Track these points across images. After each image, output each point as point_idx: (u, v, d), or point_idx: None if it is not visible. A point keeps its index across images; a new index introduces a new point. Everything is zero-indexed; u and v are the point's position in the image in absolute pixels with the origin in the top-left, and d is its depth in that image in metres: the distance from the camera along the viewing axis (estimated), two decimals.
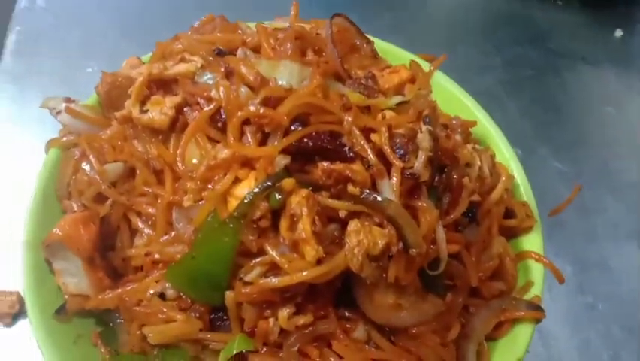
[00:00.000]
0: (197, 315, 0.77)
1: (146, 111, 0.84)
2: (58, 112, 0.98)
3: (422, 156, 0.75)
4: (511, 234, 0.95)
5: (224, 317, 0.77)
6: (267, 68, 0.81)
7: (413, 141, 0.76)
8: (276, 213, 0.73)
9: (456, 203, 0.81)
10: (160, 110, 0.83)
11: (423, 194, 0.76)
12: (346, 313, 0.78)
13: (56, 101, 1.00)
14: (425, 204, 0.75)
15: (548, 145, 1.47)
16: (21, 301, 1.07)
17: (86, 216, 0.84)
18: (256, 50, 0.90)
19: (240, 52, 0.87)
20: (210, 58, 0.86)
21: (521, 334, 0.86)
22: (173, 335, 0.76)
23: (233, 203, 0.73)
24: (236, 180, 0.74)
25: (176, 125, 0.84)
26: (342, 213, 0.74)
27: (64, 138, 0.96)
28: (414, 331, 0.79)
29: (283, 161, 0.73)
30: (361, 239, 0.71)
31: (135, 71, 0.96)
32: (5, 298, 1.05)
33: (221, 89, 0.76)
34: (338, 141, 0.75)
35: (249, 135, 0.75)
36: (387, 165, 0.75)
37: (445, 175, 0.80)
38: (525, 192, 0.99)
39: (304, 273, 0.70)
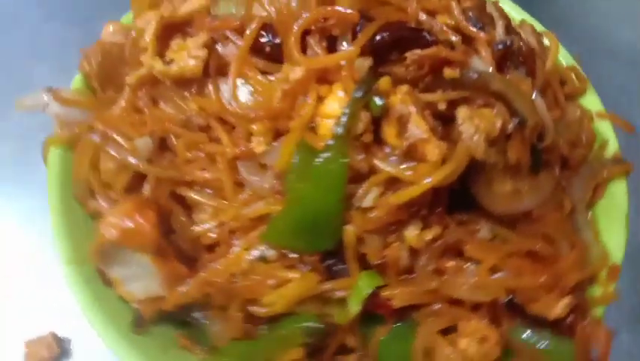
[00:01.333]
0: (310, 268, 0.67)
1: (171, 61, 0.70)
2: (45, 106, 0.81)
3: (500, 24, 0.68)
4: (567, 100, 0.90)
5: (339, 261, 0.67)
6: None
7: (484, 11, 0.69)
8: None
9: (533, 72, 0.75)
10: (188, 55, 0.70)
11: (509, 64, 0.69)
12: (464, 217, 0.70)
13: (35, 97, 0.83)
14: (517, 74, 0.68)
15: None
16: (58, 341, 0.91)
17: (137, 202, 0.70)
18: None
19: None
20: None
21: (618, 191, 0.83)
22: (294, 295, 0.65)
23: (325, 126, 0.62)
24: (319, 100, 0.63)
25: (208, 70, 0.71)
26: (441, 106, 0.65)
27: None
28: (535, 213, 0.72)
29: (366, 63, 0.63)
30: (478, 124, 0.63)
31: (119, 36, 0.82)
32: (40, 343, 0.89)
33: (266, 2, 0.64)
34: (414, 27, 0.65)
35: (314, 47, 0.64)
36: (469, 42, 0.67)
37: (515, 44, 0.73)
38: (565, 58, 0.94)
39: (431, 178, 0.61)
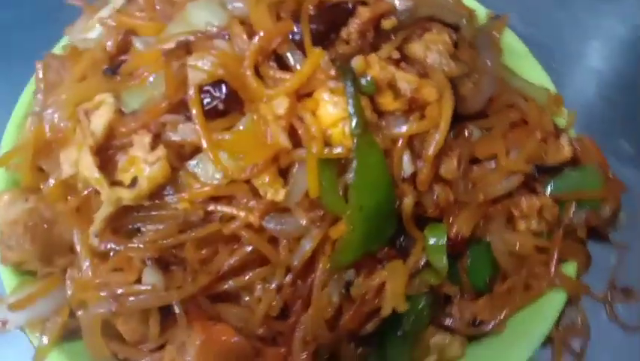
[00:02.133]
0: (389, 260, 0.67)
1: (134, 180, 0.62)
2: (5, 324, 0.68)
3: None
4: None
5: (398, 236, 0.69)
6: None
7: None
8: None
9: None
10: (146, 163, 0.62)
11: None
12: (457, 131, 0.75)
13: None
14: None
15: None
16: None
17: None
18: None
19: None
20: None
21: None
22: (398, 290, 0.65)
23: (337, 133, 0.61)
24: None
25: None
26: (395, 55, 0.68)
27: None
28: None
29: (326, 56, 0.62)
30: (437, 48, 0.67)
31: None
32: None
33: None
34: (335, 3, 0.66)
35: (273, 73, 0.62)
36: None
37: None
38: None
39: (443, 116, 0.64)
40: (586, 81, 1.15)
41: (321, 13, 0.65)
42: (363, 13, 0.65)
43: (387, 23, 0.66)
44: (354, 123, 0.60)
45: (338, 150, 0.60)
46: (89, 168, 0.61)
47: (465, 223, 0.71)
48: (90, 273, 0.68)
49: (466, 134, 0.74)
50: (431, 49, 0.67)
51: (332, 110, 0.61)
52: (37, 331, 0.70)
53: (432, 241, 0.69)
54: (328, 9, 0.65)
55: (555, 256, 0.74)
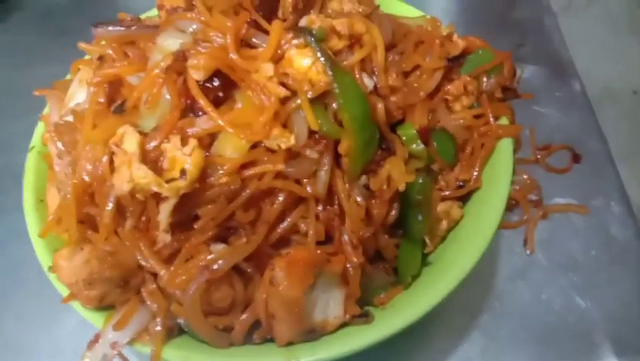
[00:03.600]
0: None
1: (183, 172, 0.77)
2: None
3: None
4: None
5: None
6: None
7: None
8: None
9: None
10: (185, 155, 0.77)
11: None
12: None
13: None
14: None
15: None
16: None
17: None
18: None
19: None
20: None
21: None
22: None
23: (314, 76, 0.80)
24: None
25: None
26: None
27: None
28: None
29: (279, 24, 0.82)
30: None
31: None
32: None
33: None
34: None
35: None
36: None
37: None
38: None
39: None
40: None
41: (260, 3, 0.85)
42: None
43: None
44: (324, 60, 0.79)
45: (322, 85, 0.79)
46: (145, 176, 0.75)
47: (420, 116, 0.92)
48: (167, 275, 0.80)
49: (391, 58, 0.97)
50: (343, 1, 0.89)
51: (304, 61, 0.80)
52: (144, 341, 0.81)
53: (406, 135, 0.89)
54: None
55: (489, 114, 0.97)
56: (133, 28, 0.91)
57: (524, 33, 1.56)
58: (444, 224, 0.92)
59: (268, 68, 0.78)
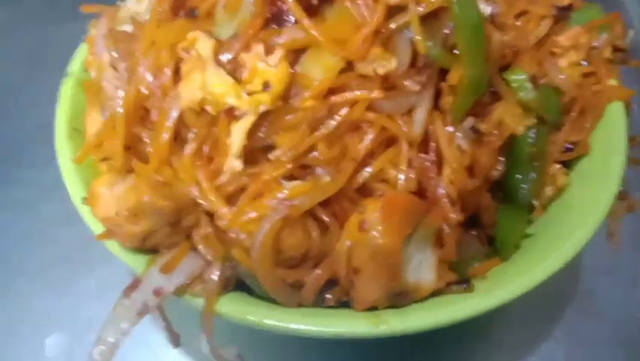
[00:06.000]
0: None
1: (267, 84, 0.63)
2: None
3: None
4: None
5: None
6: None
7: None
8: None
9: None
10: (269, 67, 0.64)
11: None
12: None
13: None
14: None
15: None
16: None
17: None
18: None
19: None
20: None
21: None
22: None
23: None
24: None
25: None
26: None
27: None
28: None
29: None
30: None
31: None
32: None
33: None
34: None
35: None
36: None
37: None
38: None
39: None
40: None
41: None
42: None
43: None
44: None
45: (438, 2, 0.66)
46: (222, 82, 0.61)
47: (530, 64, 0.79)
48: (231, 213, 0.66)
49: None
50: None
51: None
52: (196, 291, 0.66)
53: (516, 81, 0.76)
54: None
55: (603, 74, 0.84)
56: None
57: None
58: (549, 190, 0.78)
59: None
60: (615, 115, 0.83)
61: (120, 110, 0.68)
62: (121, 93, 0.68)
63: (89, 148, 0.72)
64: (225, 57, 0.65)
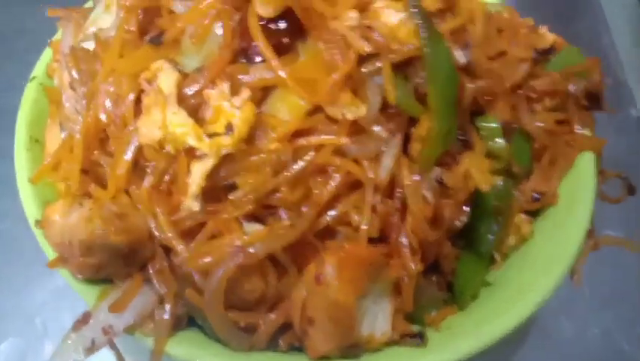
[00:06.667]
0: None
1: (230, 126, 0.61)
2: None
3: None
4: None
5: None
6: None
7: None
8: None
9: None
10: (233, 108, 0.62)
11: None
12: None
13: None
14: None
15: None
16: None
17: None
18: None
19: None
20: None
21: None
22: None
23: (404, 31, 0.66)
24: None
25: None
26: None
27: None
28: None
29: None
30: None
31: None
32: None
33: None
34: None
35: None
36: None
37: None
38: None
39: None
40: None
41: None
42: None
43: None
44: (420, 19, 0.65)
45: (410, 48, 0.65)
46: (183, 123, 0.59)
47: (503, 110, 0.78)
48: (186, 252, 0.65)
49: None
50: None
51: (393, 16, 0.65)
52: (146, 330, 0.65)
53: (487, 129, 0.75)
54: None
55: (576, 124, 0.83)
56: None
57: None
58: (511, 240, 0.78)
59: (352, 17, 0.63)
60: (585, 164, 0.83)
61: (77, 135, 0.66)
62: (79, 119, 0.65)
63: (46, 170, 0.70)
64: (189, 91, 0.63)
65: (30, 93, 0.82)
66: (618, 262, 1.10)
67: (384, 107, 0.68)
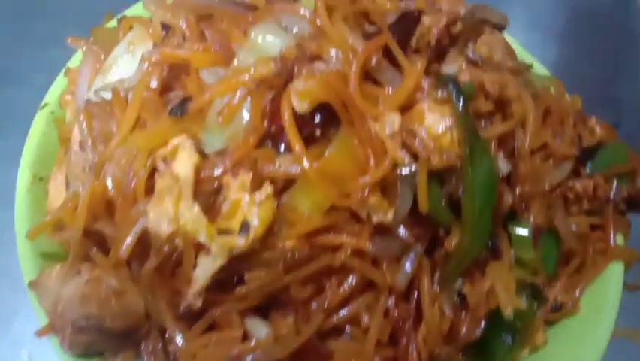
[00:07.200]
0: None
1: (246, 225, 0.56)
2: None
3: None
4: None
5: None
6: None
7: None
8: None
9: None
10: (253, 205, 0.57)
11: None
12: None
13: None
14: None
15: None
16: None
17: None
18: None
19: None
20: None
21: None
22: None
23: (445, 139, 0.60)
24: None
25: None
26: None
27: None
28: None
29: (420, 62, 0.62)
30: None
31: None
32: None
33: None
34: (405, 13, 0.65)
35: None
36: None
37: None
38: None
39: None
40: None
41: (393, 24, 0.64)
42: (435, 20, 0.64)
43: (456, 28, 0.66)
44: (465, 129, 0.59)
45: (452, 159, 0.59)
46: (195, 220, 0.54)
47: (538, 213, 0.73)
48: (184, 342, 0.61)
49: None
50: (495, 49, 0.68)
51: (438, 120, 0.60)
52: None
53: (518, 238, 0.70)
54: (400, 18, 0.64)
55: (612, 232, 0.78)
56: (215, 1, 0.69)
57: (621, 113, 1.36)
58: (525, 352, 0.74)
59: (393, 121, 0.58)
60: (613, 276, 0.78)
61: (82, 200, 0.61)
62: (86, 181, 0.61)
63: (45, 226, 0.65)
64: (207, 176, 0.58)
65: (39, 123, 0.77)
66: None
67: (413, 209, 0.63)
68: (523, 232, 0.70)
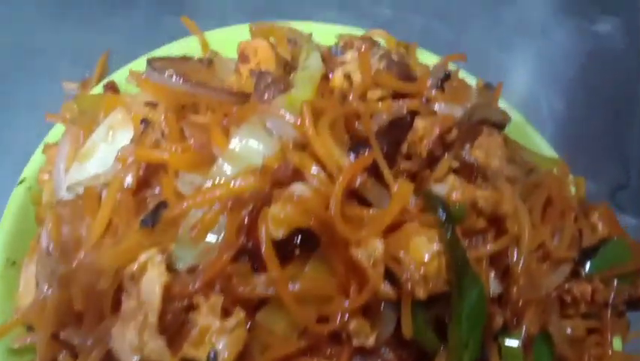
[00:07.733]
0: None
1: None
2: None
3: None
4: None
5: None
6: None
7: None
8: None
9: None
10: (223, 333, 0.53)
11: None
12: None
13: None
14: None
15: None
16: None
17: None
18: None
19: None
20: None
21: None
22: None
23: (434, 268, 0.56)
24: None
25: None
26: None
27: None
28: None
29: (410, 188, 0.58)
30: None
31: None
32: None
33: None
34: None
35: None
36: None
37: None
38: None
39: None
40: None
41: (383, 130, 0.60)
42: (428, 128, 0.60)
43: (450, 137, 0.62)
44: (453, 257, 0.56)
45: (438, 288, 0.56)
46: (159, 352, 0.51)
47: (532, 321, 0.69)
48: None
49: None
50: (492, 154, 0.64)
51: (425, 245, 0.56)
52: None
53: (508, 347, 0.66)
54: (391, 124, 0.60)
55: (609, 337, 0.74)
56: (200, 89, 0.66)
57: (629, 173, 1.32)
58: None
59: (376, 248, 0.54)
60: None
61: (48, 306, 0.58)
62: (52, 286, 0.58)
63: (14, 324, 0.63)
64: (177, 292, 0.55)
65: (16, 199, 0.74)
66: None
67: (397, 331, 0.59)
68: (513, 343, 0.66)
